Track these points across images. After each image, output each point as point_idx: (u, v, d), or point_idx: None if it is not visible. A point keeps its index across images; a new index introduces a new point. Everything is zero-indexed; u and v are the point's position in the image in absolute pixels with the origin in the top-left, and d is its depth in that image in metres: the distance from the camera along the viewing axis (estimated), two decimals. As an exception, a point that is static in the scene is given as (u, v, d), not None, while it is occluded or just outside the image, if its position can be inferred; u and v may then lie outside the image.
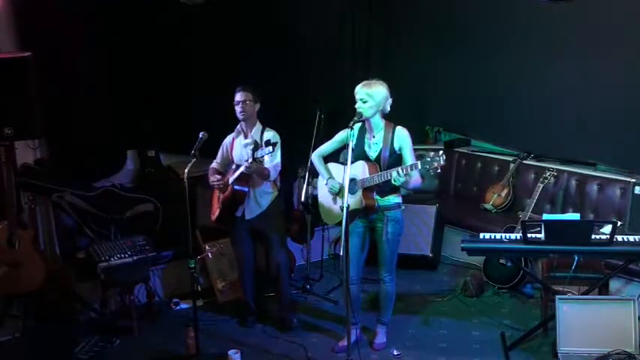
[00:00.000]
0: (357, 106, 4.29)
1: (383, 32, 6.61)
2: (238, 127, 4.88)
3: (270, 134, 4.78)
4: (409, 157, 4.32)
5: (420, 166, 4.09)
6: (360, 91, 4.30)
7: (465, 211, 6.22)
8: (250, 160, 4.52)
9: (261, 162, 4.56)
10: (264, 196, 4.85)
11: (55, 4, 4.93)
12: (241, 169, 4.62)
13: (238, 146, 4.87)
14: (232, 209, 4.88)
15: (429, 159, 4.03)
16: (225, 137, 4.95)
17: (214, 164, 5.00)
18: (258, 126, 4.83)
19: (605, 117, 5.44)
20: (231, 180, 4.77)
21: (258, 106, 4.80)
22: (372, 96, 4.28)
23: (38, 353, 4.75)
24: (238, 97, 4.74)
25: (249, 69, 5.59)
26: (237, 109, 4.75)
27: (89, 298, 5.20)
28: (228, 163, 4.94)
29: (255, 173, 4.68)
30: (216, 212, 5.01)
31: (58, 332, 4.97)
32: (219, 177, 4.90)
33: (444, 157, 4.01)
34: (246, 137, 4.84)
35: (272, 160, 4.71)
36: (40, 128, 4.67)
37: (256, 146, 4.68)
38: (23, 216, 5.02)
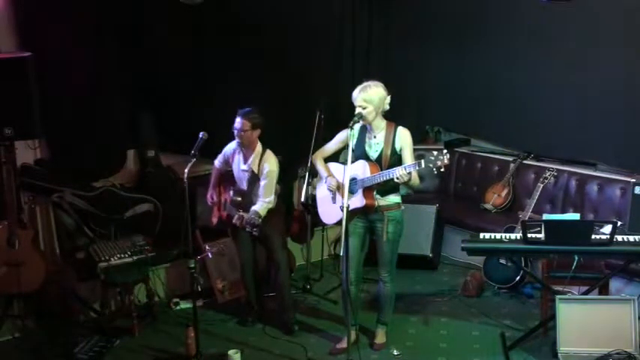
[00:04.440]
0: (356, 111, 4.28)
1: (383, 32, 6.61)
2: (239, 145, 4.83)
3: (267, 166, 4.71)
4: (409, 158, 4.31)
5: (423, 165, 4.07)
6: (358, 97, 4.28)
7: (465, 211, 6.22)
8: (238, 220, 4.66)
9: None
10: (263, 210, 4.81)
11: (55, 4, 4.92)
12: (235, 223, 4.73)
13: (237, 164, 4.88)
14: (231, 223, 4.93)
15: (432, 157, 4.02)
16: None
17: (217, 163, 5.02)
18: (258, 150, 4.77)
19: (605, 117, 5.44)
20: (227, 207, 4.90)
21: (257, 133, 4.72)
22: (369, 101, 4.26)
23: (38, 353, 4.75)
24: (237, 124, 4.68)
25: (249, 69, 5.59)
26: (235, 134, 4.72)
27: (89, 298, 5.20)
28: (229, 164, 4.96)
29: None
30: (215, 218, 5.06)
31: (58, 332, 4.96)
32: (214, 199, 4.98)
33: (448, 156, 4.01)
34: (245, 161, 4.82)
35: (264, 197, 4.70)
36: (40, 128, 4.67)
37: (253, 176, 4.72)
38: (23, 216, 5.02)
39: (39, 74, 4.57)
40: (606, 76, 5.37)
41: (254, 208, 4.69)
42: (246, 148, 4.79)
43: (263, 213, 4.69)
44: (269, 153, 4.79)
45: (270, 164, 4.74)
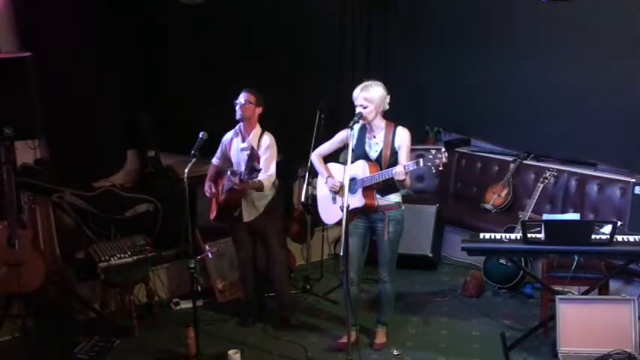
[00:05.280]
0: (357, 111, 4.29)
1: (383, 32, 6.61)
2: (237, 128, 4.87)
3: (266, 140, 4.74)
4: (404, 157, 4.32)
5: (422, 164, 4.08)
6: (358, 97, 4.30)
7: (465, 211, 6.22)
8: (238, 182, 4.53)
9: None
10: (261, 199, 4.83)
11: (55, 4, 4.92)
12: (233, 182, 4.60)
13: (236, 148, 4.86)
14: (229, 212, 4.90)
15: (430, 156, 4.04)
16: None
17: (215, 160, 5.02)
18: (257, 130, 4.80)
19: (605, 117, 5.44)
20: (224, 189, 4.81)
21: (259, 110, 4.78)
22: (370, 100, 4.28)
23: (38, 353, 4.75)
24: (240, 97, 4.73)
25: (249, 69, 5.59)
26: (237, 108, 4.74)
27: (89, 298, 5.21)
28: (227, 158, 4.95)
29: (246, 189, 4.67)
30: (214, 212, 5.03)
31: (57, 332, 4.97)
32: (212, 190, 4.94)
33: (446, 155, 4.03)
34: (243, 140, 4.82)
35: (265, 171, 4.68)
36: (40, 128, 4.68)
37: (252, 153, 4.68)
38: (23, 216, 5.02)
39: (39, 74, 4.57)
40: (606, 76, 5.36)
41: (258, 179, 4.65)
42: (246, 125, 4.78)
43: (267, 184, 4.67)
44: (267, 132, 4.81)
45: (270, 139, 4.78)
